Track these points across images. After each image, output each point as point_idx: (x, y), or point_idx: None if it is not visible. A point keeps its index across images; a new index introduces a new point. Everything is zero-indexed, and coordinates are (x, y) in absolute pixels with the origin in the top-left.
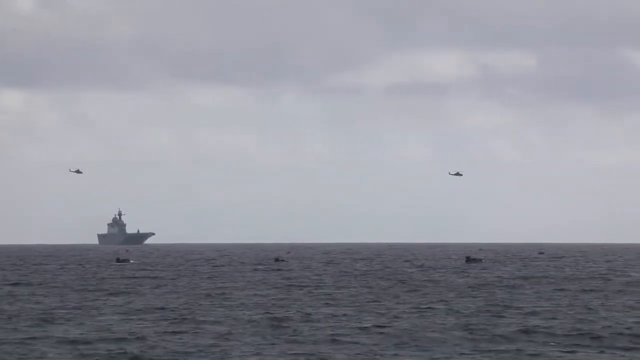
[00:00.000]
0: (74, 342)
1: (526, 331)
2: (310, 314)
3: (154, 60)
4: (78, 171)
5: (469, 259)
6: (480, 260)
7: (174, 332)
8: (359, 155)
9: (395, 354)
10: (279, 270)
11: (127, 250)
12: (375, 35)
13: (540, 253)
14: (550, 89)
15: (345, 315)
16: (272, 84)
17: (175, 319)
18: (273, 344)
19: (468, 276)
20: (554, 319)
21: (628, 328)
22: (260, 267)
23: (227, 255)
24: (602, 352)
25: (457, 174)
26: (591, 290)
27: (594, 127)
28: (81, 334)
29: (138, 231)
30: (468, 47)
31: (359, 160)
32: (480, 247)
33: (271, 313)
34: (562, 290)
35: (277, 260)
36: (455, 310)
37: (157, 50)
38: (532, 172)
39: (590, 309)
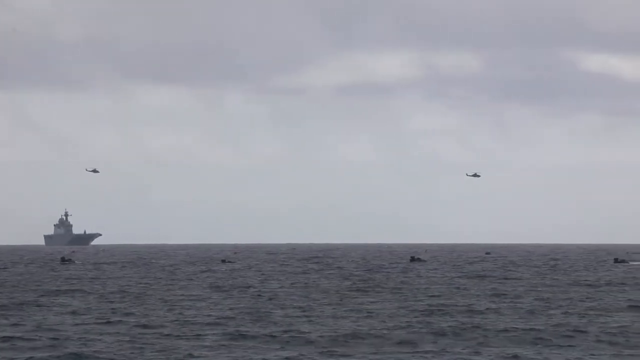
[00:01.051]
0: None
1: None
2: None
3: (102, 61)
4: (95, 170)
5: (412, 259)
6: (424, 260)
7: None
8: (305, 156)
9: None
10: (224, 270)
11: (73, 251)
12: (320, 35)
13: (487, 254)
14: (495, 90)
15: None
16: (218, 84)
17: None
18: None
19: (407, 276)
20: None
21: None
22: (202, 267)
23: (173, 256)
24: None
25: (475, 175)
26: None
27: (538, 128)
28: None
29: (85, 232)
30: (413, 48)
31: (305, 160)
32: (426, 249)
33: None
34: (493, 289)
35: (223, 261)
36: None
37: (105, 50)
38: (480, 173)
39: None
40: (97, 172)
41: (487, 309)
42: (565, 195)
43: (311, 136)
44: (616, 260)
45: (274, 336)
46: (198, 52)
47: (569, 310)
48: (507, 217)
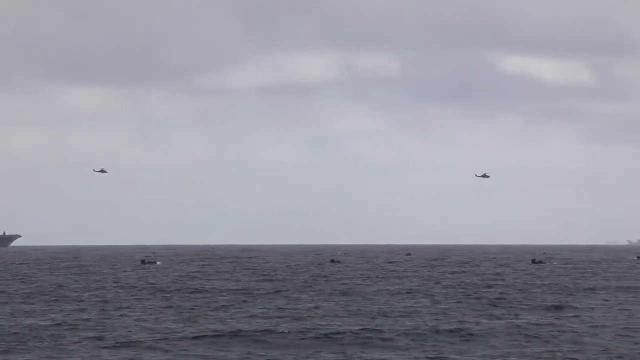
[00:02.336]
0: None
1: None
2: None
3: (22, 61)
4: (102, 170)
5: (333, 261)
6: (338, 262)
7: None
8: (229, 157)
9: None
10: (144, 270)
11: None
12: (242, 36)
13: (407, 255)
14: (416, 91)
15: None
16: (140, 85)
17: None
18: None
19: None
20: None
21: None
22: (123, 269)
23: (89, 259)
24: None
25: (484, 175)
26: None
27: (459, 129)
28: None
29: (4, 233)
30: (335, 49)
31: (228, 161)
32: (346, 251)
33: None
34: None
35: (143, 262)
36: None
37: (26, 51)
38: (401, 174)
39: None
40: (105, 172)
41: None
42: (486, 196)
43: (234, 137)
44: (534, 261)
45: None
46: (120, 52)
47: (386, 312)
48: (426, 217)
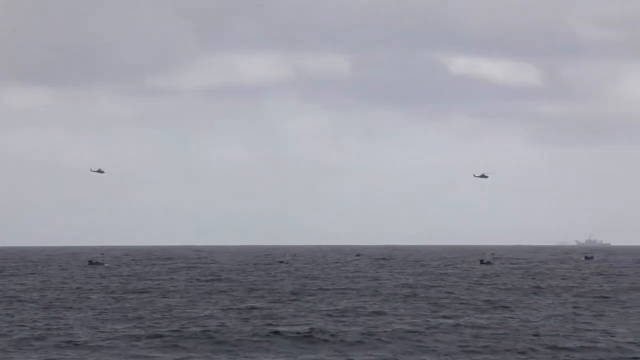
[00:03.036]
0: None
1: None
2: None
3: None
4: (100, 171)
5: (282, 262)
6: (286, 262)
7: None
8: (177, 157)
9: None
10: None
11: None
12: (192, 37)
13: (357, 255)
14: (365, 92)
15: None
16: (87, 85)
17: None
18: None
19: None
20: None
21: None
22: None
23: (35, 259)
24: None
25: (483, 175)
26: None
27: (408, 129)
28: None
29: None
30: (283, 50)
31: (178, 161)
32: (294, 252)
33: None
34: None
35: (90, 262)
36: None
37: None
38: (350, 173)
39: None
40: (102, 172)
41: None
42: (433, 196)
43: (184, 137)
44: (482, 262)
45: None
46: (68, 52)
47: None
48: (373, 218)
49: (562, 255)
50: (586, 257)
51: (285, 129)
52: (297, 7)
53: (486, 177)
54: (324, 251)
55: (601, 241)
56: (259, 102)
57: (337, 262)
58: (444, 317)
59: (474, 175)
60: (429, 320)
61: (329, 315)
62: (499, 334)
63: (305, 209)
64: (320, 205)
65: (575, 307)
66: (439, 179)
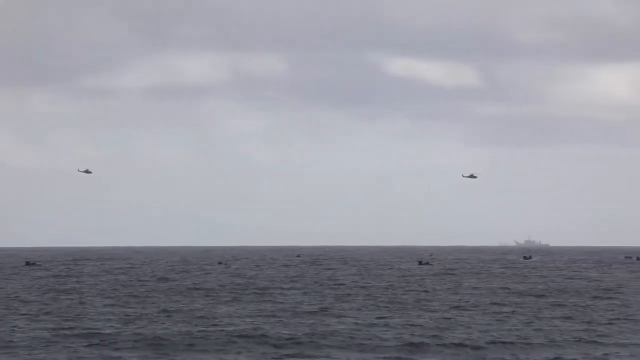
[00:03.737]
0: None
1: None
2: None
3: None
4: (87, 171)
5: (221, 263)
6: (227, 264)
7: None
8: (117, 158)
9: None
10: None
11: None
12: (129, 37)
13: (297, 256)
14: (304, 93)
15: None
16: (25, 85)
17: None
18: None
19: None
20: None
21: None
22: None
23: None
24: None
25: (471, 175)
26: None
27: (347, 130)
28: None
29: None
30: (222, 50)
31: (116, 162)
32: (234, 253)
33: None
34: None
35: (27, 263)
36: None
37: None
38: (289, 175)
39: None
40: (90, 172)
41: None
42: (373, 197)
43: (123, 138)
44: (420, 263)
45: None
46: (4, 53)
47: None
48: (315, 219)
49: (500, 255)
50: (525, 258)
51: (224, 130)
52: (235, 7)
53: (475, 177)
54: (263, 252)
55: (540, 242)
56: (198, 103)
57: (277, 263)
58: (381, 317)
59: (463, 176)
60: (371, 321)
61: (274, 316)
62: (440, 328)
63: (244, 209)
64: (259, 206)
65: (495, 304)
66: (377, 179)
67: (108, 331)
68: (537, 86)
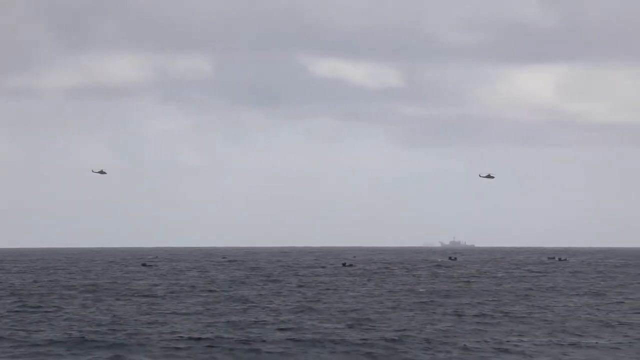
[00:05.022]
0: None
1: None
2: None
3: None
4: (102, 172)
5: (145, 265)
6: (149, 265)
7: None
8: (37, 159)
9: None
10: None
11: None
12: (50, 36)
13: (223, 258)
14: (228, 93)
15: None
16: None
17: None
18: None
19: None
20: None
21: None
22: None
23: None
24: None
25: (489, 176)
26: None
27: (272, 131)
28: None
29: None
30: (146, 51)
31: (38, 163)
32: (157, 255)
33: None
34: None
35: None
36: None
37: None
38: (214, 176)
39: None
40: (105, 173)
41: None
42: (298, 198)
43: (43, 139)
44: (344, 265)
45: None
46: None
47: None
48: (242, 219)
49: (424, 255)
50: (450, 258)
51: (148, 130)
52: (158, 7)
53: (492, 177)
54: (187, 253)
55: (465, 243)
56: (121, 104)
57: (202, 264)
58: (301, 320)
59: (480, 176)
60: (303, 322)
61: (201, 322)
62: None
63: (168, 211)
64: (182, 207)
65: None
66: (303, 180)
67: None
68: (460, 87)
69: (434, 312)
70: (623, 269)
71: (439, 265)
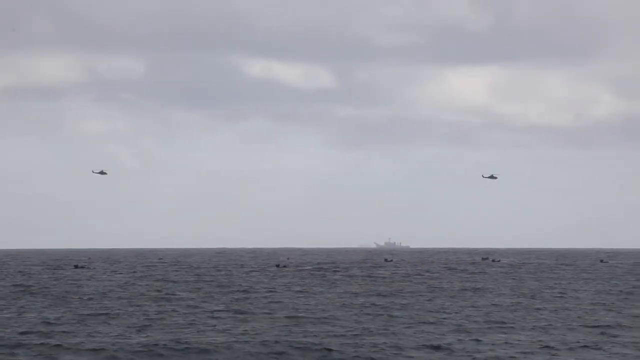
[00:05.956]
0: None
1: None
2: None
3: None
4: (102, 172)
5: (77, 267)
6: (81, 267)
7: None
8: None
9: None
10: None
11: None
12: None
13: (159, 259)
14: (162, 94)
15: None
16: None
17: None
18: None
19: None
20: None
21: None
22: None
23: None
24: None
25: (492, 176)
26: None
27: (205, 132)
28: None
29: None
30: (78, 51)
31: None
32: (89, 256)
33: None
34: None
35: None
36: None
37: None
38: (149, 177)
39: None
40: (105, 173)
41: None
42: (232, 199)
43: None
44: (278, 266)
45: None
46: None
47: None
48: (178, 220)
49: (359, 256)
50: (386, 260)
51: (80, 131)
52: (92, 7)
53: (495, 177)
54: (120, 255)
55: (400, 243)
56: (54, 104)
57: (138, 266)
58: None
59: (483, 176)
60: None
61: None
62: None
63: (101, 212)
64: (117, 208)
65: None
66: (238, 181)
67: None
68: (393, 88)
69: (366, 313)
70: (543, 268)
71: (373, 267)
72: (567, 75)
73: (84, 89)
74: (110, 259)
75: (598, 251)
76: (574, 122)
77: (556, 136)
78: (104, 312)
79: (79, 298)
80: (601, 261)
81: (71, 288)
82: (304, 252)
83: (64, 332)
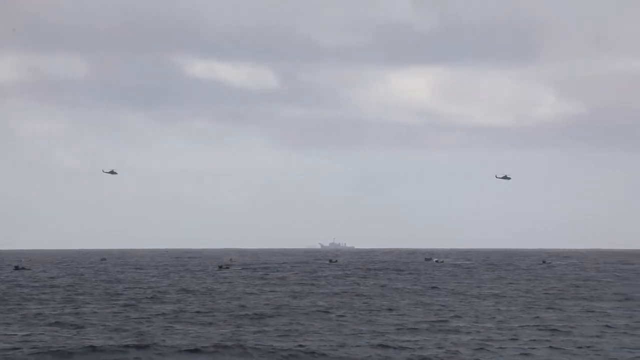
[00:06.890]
0: None
1: None
2: None
3: None
4: (112, 172)
5: (17, 268)
6: (22, 268)
7: None
8: None
9: None
10: None
11: None
12: None
13: (102, 259)
14: (105, 95)
15: None
16: None
17: None
18: None
19: None
20: None
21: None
22: None
23: None
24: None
25: (505, 177)
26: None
27: (150, 133)
28: None
29: None
30: (19, 50)
31: None
32: (29, 257)
33: None
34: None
35: None
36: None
37: None
38: (91, 177)
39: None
40: (115, 173)
41: None
42: (179, 200)
43: None
44: (220, 267)
45: None
46: None
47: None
48: (120, 222)
49: (303, 257)
50: (330, 261)
51: (22, 132)
52: (33, 6)
53: (509, 178)
54: (65, 255)
55: (345, 244)
56: None
57: (82, 267)
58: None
59: (496, 177)
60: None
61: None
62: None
63: (44, 213)
64: (59, 208)
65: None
66: (183, 182)
67: None
68: (338, 89)
69: (303, 313)
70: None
71: (318, 267)
72: (511, 76)
73: (25, 89)
74: (54, 261)
75: (545, 252)
76: (517, 122)
77: (502, 136)
78: None
79: None
80: (543, 262)
81: None
82: (248, 253)
83: None
